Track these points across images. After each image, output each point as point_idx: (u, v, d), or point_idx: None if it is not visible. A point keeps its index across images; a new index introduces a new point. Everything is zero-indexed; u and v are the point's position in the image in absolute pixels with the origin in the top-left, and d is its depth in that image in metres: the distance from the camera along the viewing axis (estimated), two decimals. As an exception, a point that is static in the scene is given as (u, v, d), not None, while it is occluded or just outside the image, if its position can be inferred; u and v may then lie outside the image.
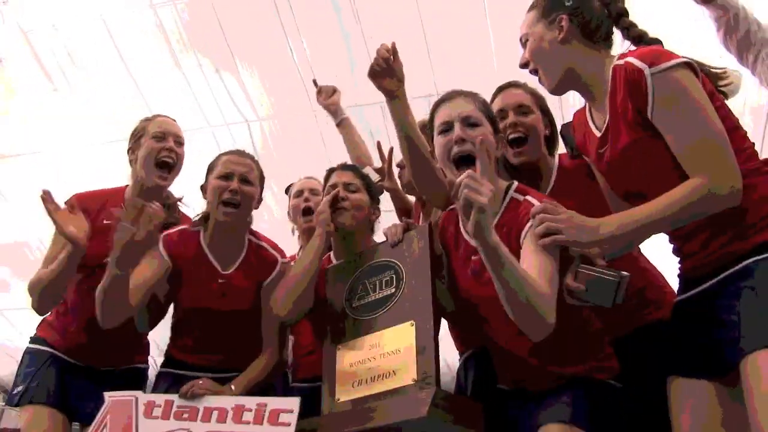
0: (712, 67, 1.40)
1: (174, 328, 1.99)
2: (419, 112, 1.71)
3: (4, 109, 5.83)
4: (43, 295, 1.91)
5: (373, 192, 1.91)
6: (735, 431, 1.27)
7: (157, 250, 1.82)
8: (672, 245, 1.44)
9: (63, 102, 5.67)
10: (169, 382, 1.89)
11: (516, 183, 1.59)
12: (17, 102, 5.77)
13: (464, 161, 1.48)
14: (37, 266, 1.96)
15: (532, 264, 1.35)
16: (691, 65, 1.31)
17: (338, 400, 1.55)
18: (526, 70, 1.57)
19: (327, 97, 2.57)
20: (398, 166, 2.23)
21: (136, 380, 2.10)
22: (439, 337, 1.62)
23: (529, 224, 1.42)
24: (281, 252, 2.02)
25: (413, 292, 1.53)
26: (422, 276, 1.54)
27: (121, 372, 2.08)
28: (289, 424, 1.52)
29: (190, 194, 2.37)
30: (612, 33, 1.49)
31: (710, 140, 1.25)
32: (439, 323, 1.66)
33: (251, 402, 1.60)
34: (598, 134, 1.45)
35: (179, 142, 2.06)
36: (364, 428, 1.43)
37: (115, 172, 2.23)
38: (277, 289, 1.79)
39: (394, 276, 1.58)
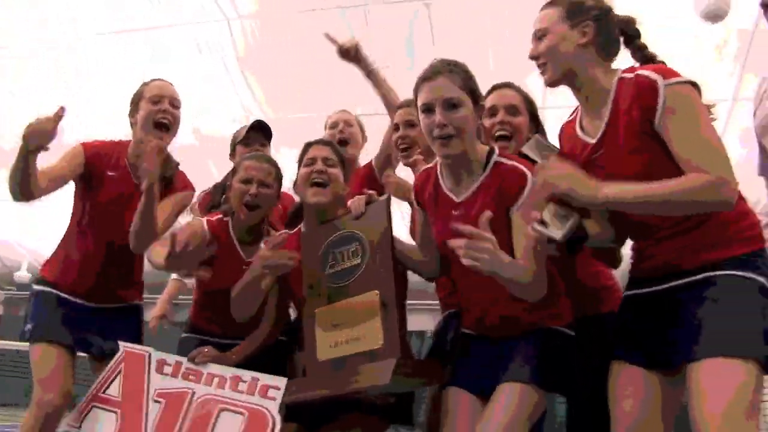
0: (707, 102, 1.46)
1: (197, 303, 2.22)
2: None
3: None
4: (10, 184, 1.98)
5: (347, 167, 2.06)
6: (670, 412, 1.46)
7: (204, 228, 2.08)
8: (635, 244, 1.56)
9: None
10: (191, 346, 2.09)
11: (497, 149, 1.67)
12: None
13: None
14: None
15: (527, 243, 1.50)
16: (697, 86, 1.40)
17: (319, 359, 1.73)
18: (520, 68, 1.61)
19: (348, 46, 2.33)
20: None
21: (136, 316, 2.31)
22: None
23: (522, 197, 1.55)
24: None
25: (376, 264, 1.68)
26: (383, 248, 1.69)
27: (122, 308, 2.26)
28: (274, 399, 1.78)
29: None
30: (619, 50, 1.57)
31: (716, 146, 1.35)
32: (402, 288, 1.88)
33: (247, 375, 1.85)
34: (590, 140, 1.52)
35: (175, 105, 2.16)
36: (338, 393, 1.66)
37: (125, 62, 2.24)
38: None
39: (359, 247, 1.73)
